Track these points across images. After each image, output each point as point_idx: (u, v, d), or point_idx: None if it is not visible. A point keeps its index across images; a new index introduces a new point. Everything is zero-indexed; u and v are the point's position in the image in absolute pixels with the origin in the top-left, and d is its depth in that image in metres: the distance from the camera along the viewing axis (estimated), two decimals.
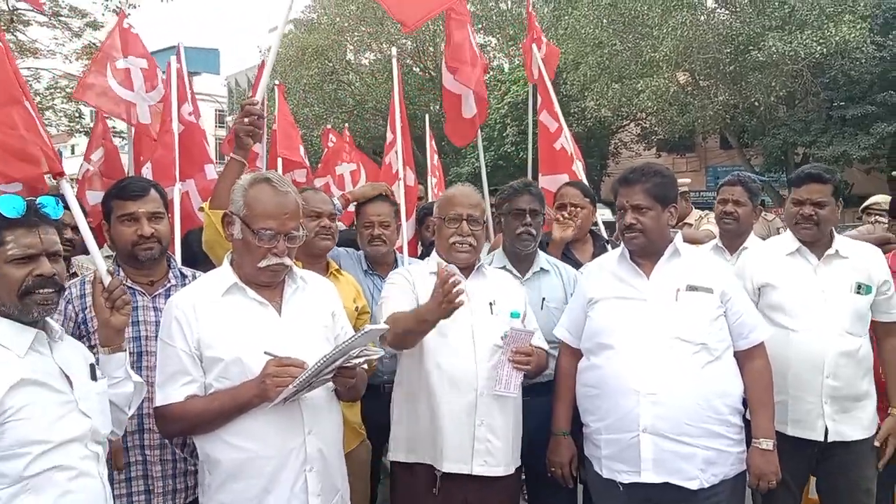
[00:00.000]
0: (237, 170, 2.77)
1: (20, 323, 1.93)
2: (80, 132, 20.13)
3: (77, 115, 19.75)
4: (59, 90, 19.36)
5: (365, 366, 2.42)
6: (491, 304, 2.87)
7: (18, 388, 1.83)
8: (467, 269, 2.94)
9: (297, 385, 2.11)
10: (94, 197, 5.53)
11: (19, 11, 17.19)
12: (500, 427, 2.78)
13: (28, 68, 19.32)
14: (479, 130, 5.25)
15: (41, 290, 1.92)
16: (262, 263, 2.28)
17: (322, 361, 2.10)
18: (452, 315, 2.58)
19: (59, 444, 1.88)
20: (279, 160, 6.00)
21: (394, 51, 5.89)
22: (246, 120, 2.80)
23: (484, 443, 2.74)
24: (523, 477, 3.34)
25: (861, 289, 3.07)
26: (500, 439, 2.77)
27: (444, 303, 2.48)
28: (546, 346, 3.01)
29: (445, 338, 2.77)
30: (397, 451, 2.89)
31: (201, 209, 2.98)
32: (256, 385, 2.17)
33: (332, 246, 3.31)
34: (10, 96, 2.33)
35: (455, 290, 2.45)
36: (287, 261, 2.32)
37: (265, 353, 2.20)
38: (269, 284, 2.36)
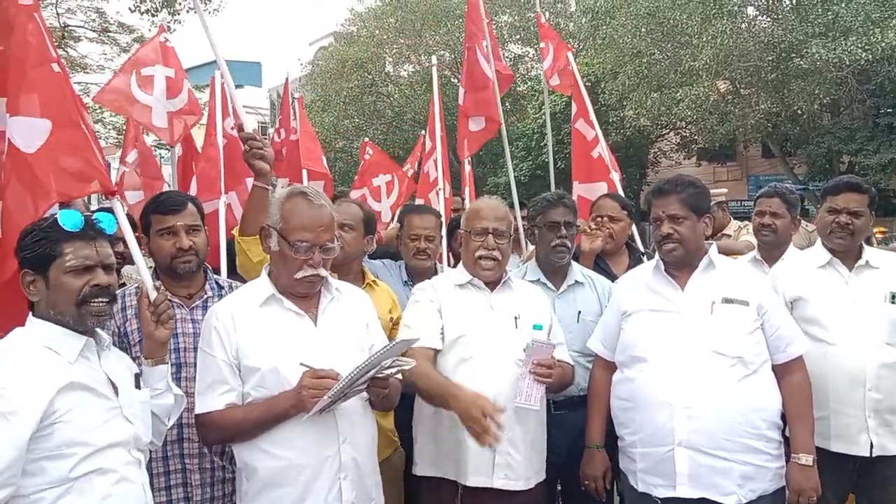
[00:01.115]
0: (261, 196, 2.82)
1: (72, 330, 2.01)
2: None
3: (125, 127, 20.27)
4: None
5: (399, 375, 2.45)
6: (516, 318, 2.85)
7: (67, 392, 1.90)
8: (493, 283, 2.93)
9: (332, 396, 2.16)
10: (134, 196, 5.71)
11: (70, 28, 17.77)
12: (521, 441, 2.76)
13: (78, 83, 19.94)
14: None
15: (96, 301, 2.01)
16: (299, 275, 2.34)
17: (355, 372, 2.14)
18: (475, 325, 2.65)
19: (103, 448, 1.94)
20: (304, 171, 6.08)
21: (433, 59, 5.89)
22: (246, 147, 2.85)
23: (504, 456, 2.73)
24: (559, 488, 3.34)
25: (895, 298, 3.02)
26: (521, 453, 2.76)
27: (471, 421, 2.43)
28: (570, 361, 2.99)
29: (468, 351, 2.78)
30: (423, 466, 2.89)
31: (234, 236, 3.05)
32: (293, 396, 2.22)
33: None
34: (70, 118, 2.44)
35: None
36: (323, 272, 2.38)
37: (301, 364, 2.25)
38: (305, 295, 2.41)
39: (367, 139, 7.64)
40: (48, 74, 2.46)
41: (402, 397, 3.03)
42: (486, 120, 5.31)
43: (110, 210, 2.46)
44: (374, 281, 3.33)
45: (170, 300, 2.68)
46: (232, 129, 5.06)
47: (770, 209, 3.78)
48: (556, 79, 5.99)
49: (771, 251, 3.80)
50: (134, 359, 2.34)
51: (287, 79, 9.29)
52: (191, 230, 2.73)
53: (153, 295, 2.34)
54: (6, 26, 2.48)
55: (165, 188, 5.97)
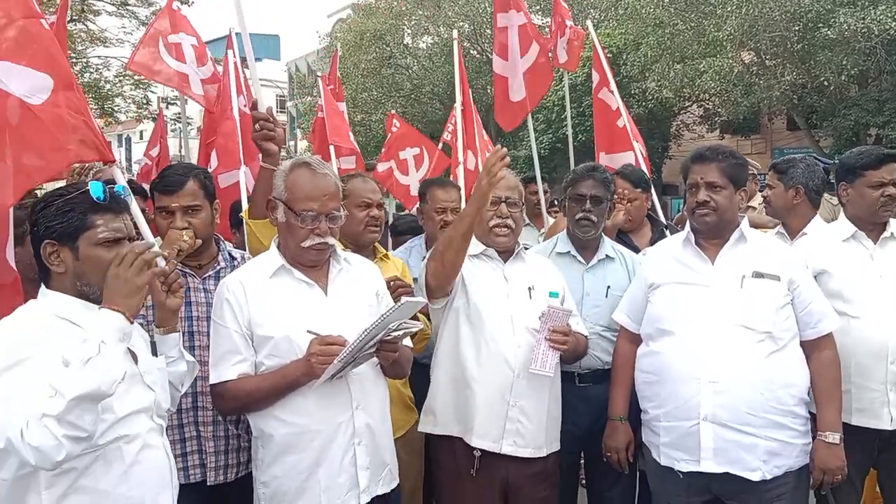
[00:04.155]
0: (269, 178, 2.68)
1: (89, 302, 1.97)
2: (148, 118, 20.78)
3: (145, 101, 20.37)
4: (127, 77, 19.94)
5: (408, 341, 2.46)
6: (530, 288, 2.86)
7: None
8: (506, 254, 2.94)
9: (342, 360, 2.18)
10: None
11: (89, 2, 17.75)
12: (533, 409, 2.77)
13: (98, 57, 20.01)
14: (537, 114, 5.27)
15: None
16: (306, 243, 2.35)
17: (363, 336, 2.15)
18: (489, 295, 2.68)
19: (128, 415, 1.94)
20: (331, 148, 6.05)
21: (454, 33, 5.78)
22: (257, 126, 2.75)
23: (515, 423, 2.75)
24: (582, 461, 3.34)
25: None
26: (532, 422, 2.77)
27: (489, 174, 2.53)
28: (584, 332, 2.98)
29: (483, 321, 2.78)
30: (426, 423, 2.91)
31: (241, 217, 2.99)
32: (303, 364, 2.25)
33: (379, 237, 3.28)
34: (69, 78, 2.31)
35: (501, 162, 2.53)
36: (330, 240, 2.39)
37: (308, 331, 2.27)
38: (314, 265, 2.43)
39: (392, 111, 7.56)
40: (40, 29, 2.29)
41: (421, 367, 3.02)
42: (528, 91, 5.22)
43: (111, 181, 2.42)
44: (385, 255, 3.32)
45: (182, 270, 2.68)
46: (244, 106, 5.04)
47: (768, 184, 3.75)
48: (563, 55, 5.89)
49: (790, 224, 3.74)
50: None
51: (336, 52, 9.20)
52: (188, 210, 2.65)
53: (163, 264, 2.33)
54: None
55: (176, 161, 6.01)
